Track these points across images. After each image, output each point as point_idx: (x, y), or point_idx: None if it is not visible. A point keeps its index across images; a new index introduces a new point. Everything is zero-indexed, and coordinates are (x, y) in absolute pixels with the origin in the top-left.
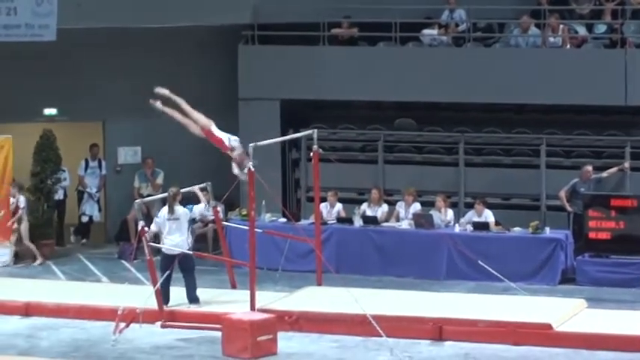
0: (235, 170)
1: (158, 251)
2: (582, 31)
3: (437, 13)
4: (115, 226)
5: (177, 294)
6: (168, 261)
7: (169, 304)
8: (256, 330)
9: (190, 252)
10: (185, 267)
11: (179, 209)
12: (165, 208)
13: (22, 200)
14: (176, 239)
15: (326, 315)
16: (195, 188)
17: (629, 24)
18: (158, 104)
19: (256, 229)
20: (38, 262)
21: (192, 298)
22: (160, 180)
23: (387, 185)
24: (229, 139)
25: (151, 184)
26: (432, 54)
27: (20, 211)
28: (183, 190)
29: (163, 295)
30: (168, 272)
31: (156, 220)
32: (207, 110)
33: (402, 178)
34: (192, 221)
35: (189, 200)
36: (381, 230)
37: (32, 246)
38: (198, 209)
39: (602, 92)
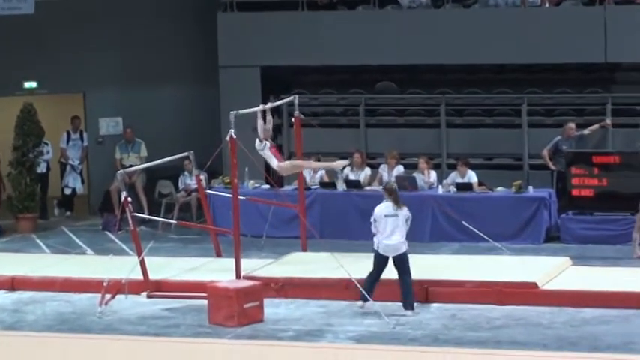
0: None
1: (142, 221)
2: None
3: None
4: (98, 197)
5: (161, 264)
6: (383, 260)
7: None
8: (242, 297)
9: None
10: (402, 269)
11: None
12: (385, 205)
13: None
14: (396, 239)
15: (312, 280)
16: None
17: None
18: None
19: (240, 197)
20: None
21: (408, 304)
22: (144, 152)
23: (370, 149)
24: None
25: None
26: (411, 16)
27: None
28: (167, 160)
29: (368, 289)
30: (378, 269)
31: (375, 217)
32: (189, 79)
33: (384, 141)
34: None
35: (179, 170)
36: (364, 194)
37: None
38: None
39: (581, 50)
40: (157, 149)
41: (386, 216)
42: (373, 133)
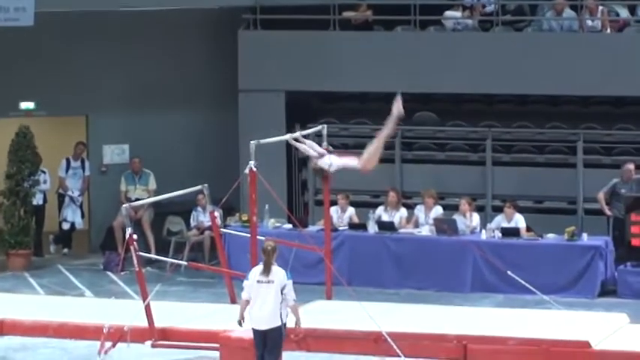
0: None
1: (148, 261)
2: (624, 13)
3: None
4: (99, 233)
5: (168, 309)
6: (259, 337)
7: None
8: None
9: (282, 326)
10: (271, 345)
11: (276, 270)
12: (258, 268)
13: None
14: (267, 309)
15: (336, 332)
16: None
17: None
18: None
19: (258, 237)
20: None
21: None
22: (152, 184)
23: (405, 187)
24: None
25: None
26: (456, 39)
27: None
28: (178, 193)
29: None
30: (259, 353)
31: (245, 282)
32: (204, 103)
33: (421, 178)
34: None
35: (191, 205)
36: (398, 237)
37: None
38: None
39: None
40: (167, 181)
41: (258, 282)
42: (410, 169)
